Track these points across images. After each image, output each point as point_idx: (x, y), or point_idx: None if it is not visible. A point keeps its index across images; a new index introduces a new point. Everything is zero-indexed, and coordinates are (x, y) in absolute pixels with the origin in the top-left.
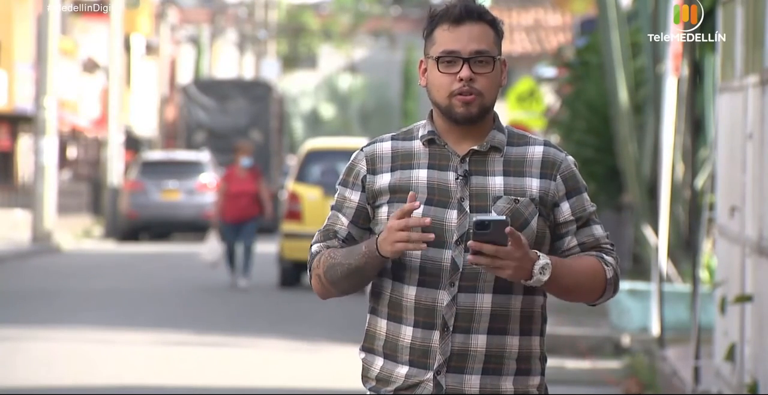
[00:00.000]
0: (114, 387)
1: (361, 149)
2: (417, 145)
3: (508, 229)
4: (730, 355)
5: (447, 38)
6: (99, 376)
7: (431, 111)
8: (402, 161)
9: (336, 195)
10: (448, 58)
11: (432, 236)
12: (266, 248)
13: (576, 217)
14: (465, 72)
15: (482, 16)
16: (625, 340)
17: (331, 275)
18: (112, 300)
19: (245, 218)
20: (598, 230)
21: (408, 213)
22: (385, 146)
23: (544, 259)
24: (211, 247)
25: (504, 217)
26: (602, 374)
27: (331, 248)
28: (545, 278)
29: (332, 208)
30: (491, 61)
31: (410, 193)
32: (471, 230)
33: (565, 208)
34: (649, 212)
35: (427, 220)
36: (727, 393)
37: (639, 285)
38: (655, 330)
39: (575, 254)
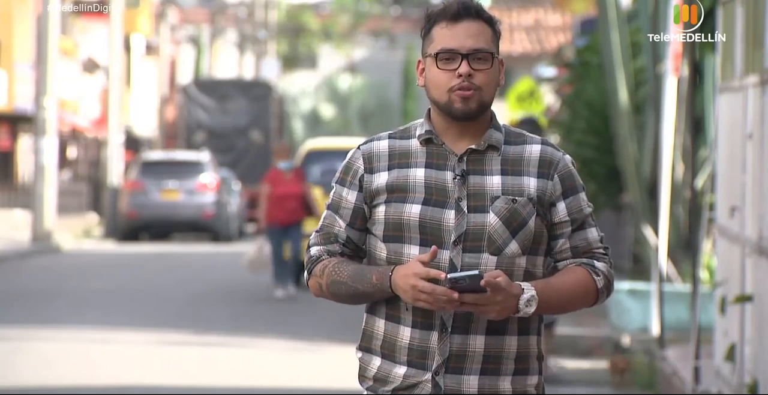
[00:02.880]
0: (114, 387)
1: (358, 147)
2: (414, 143)
3: (482, 282)
4: (730, 355)
5: (445, 36)
6: (99, 376)
7: (429, 109)
8: (399, 159)
9: (332, 194)
10: (447, 55)
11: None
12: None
13: (572, 218)
14: (464, 68)
15: (479, 14)
16: (625, 340)
17: (334, 290)
18: (112, 300)
19: (293, 221)
20: (592, 233)
21: (435, 279)
22: (382, 145)
23: (529, 291)
24: (258, 254)
25: (477, 271)
26: (602, 374)
27: (334, 256)
28: (532, 310)
29: (328, 207)
30: (490, 58)
31: (433, 247)
32: (447, 286)
33: (561, 208)
34: (649, 212)
35: (455, 295)
36: (727, 393)
37: (639, 285)
38: (655, 330)
39: (566, 258)
